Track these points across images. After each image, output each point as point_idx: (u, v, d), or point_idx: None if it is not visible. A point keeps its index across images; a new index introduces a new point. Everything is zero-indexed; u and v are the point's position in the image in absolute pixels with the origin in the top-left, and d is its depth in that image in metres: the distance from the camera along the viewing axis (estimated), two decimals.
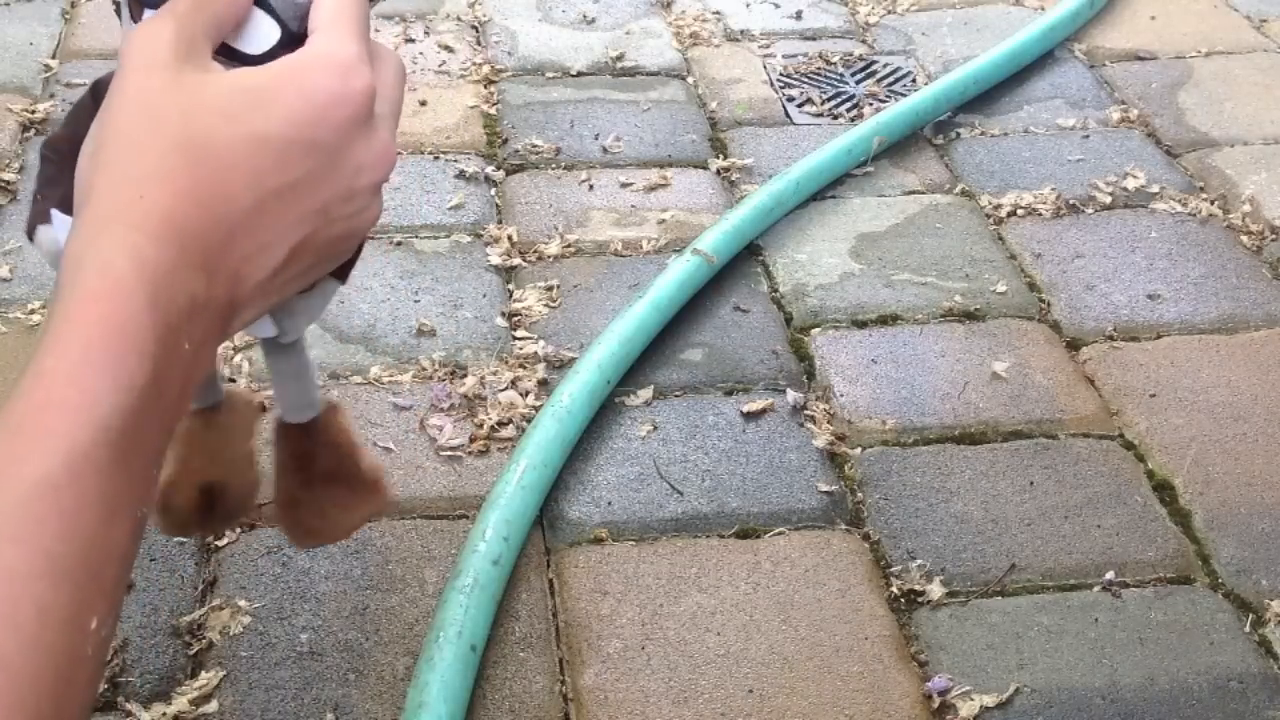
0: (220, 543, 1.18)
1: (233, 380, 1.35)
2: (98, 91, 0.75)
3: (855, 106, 1.91)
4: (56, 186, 0.75)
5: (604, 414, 1.33)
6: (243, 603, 1.13)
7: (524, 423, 1.32)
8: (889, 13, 2.19)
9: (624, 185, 1.71)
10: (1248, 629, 1.15)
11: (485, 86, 1.93)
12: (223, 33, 0.50)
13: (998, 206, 1.69)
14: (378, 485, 0.81)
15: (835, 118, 1.88)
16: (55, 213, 0.72)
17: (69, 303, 0.43)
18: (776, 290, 1.54)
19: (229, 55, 0.54)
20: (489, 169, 1.73)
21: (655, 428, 1.33)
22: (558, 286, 1.52)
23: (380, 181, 0.51)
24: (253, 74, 0.48)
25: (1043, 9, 2.16)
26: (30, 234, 0.75)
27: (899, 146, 1.80)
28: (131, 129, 0.46)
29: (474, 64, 1.98)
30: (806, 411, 1.36)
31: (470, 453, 1.29)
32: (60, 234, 0.72)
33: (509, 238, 1.59)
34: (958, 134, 1.85)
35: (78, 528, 0.40)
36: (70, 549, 0.39)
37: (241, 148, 0.46)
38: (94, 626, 0.39)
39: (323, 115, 0.47)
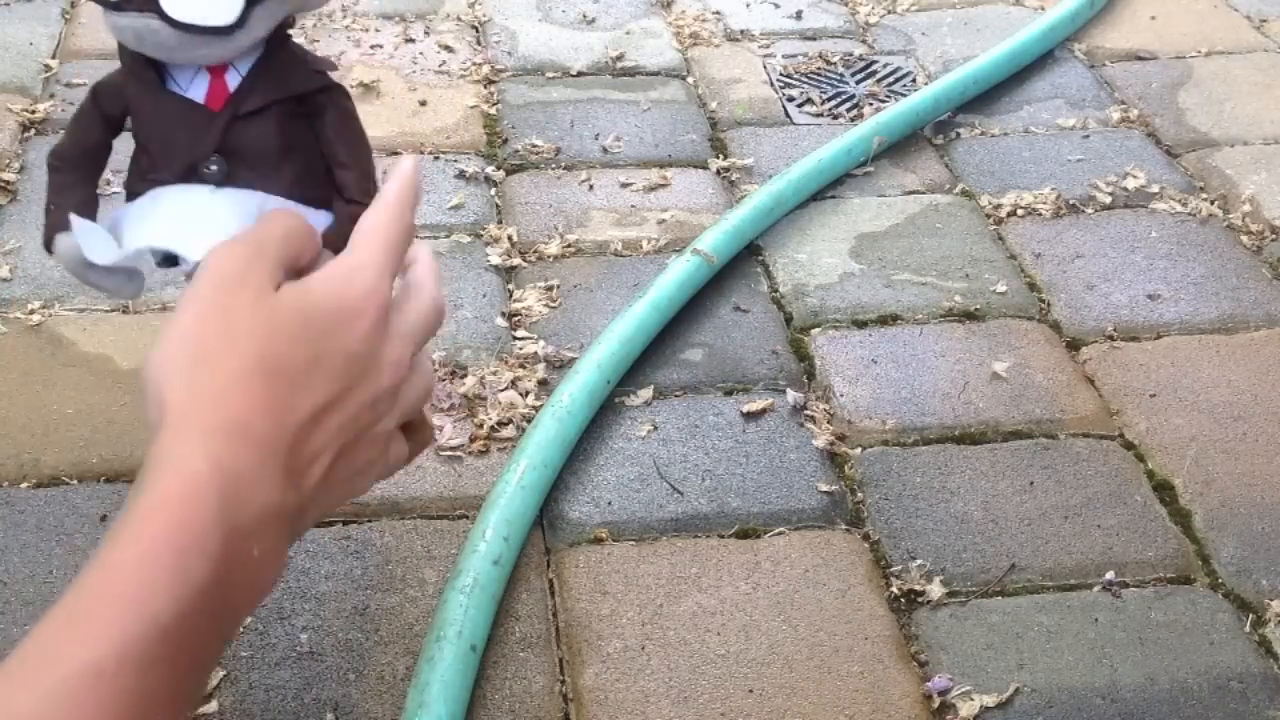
0: None
1: None
2: (98, 96, 0.75)
3: (855, 106, 1.91)
4: (69, 194, 0.75)
5: (604, 414, 1.33)
6: None
7: (524, 423, 1.32)
8: (889, 13, 2.19)
9: (624, 185, 1.71)
10: (1248, 629, 1.15)
11: (485, 86, 1.93)
12: (296, 266, 0.56)
13: (998, 206, 1.69)
14: (424, 424, 0.82)
15: (835, 118, 1.88)
16: (74, 218, 0.72)
17: (144, 499, 0.44)
18: (776, 290, 1.54)
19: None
20: (489, 169, 1.73)
21: (655, 428, 1.33)
22: (558, 286, 1.52)
23: (398, 382, 0.55)
24: (310, 297, 0.53)
25: (1043, 9, 2.16)
26: (48, 245, 0.75)
27: (899, 146, 1.80)
28: (213, 342, 0.50)
29: (474, 64, 1.98)
30: (806, 411, 1.36)
31: (470, 453, 1.29)
32: (81, 239, 0.72)
33: (509, 238, 1.59)
34: (958, 134, 1.85)
35: (115, 717, 0.41)
36: None
37: (303, 366, 0.50)
38: None
39: (354, 326, 0.53)
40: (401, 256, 0.59)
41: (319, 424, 0.50)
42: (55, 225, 0.74)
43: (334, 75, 0.76)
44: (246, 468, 0.46)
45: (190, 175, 0.70)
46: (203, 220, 0.68)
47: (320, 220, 0.74)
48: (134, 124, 0.73)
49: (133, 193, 0.73)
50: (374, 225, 0.58)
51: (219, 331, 0.50)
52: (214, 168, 0.70)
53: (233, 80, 0.70)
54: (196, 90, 0.70)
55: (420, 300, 0.60)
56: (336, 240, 0.74)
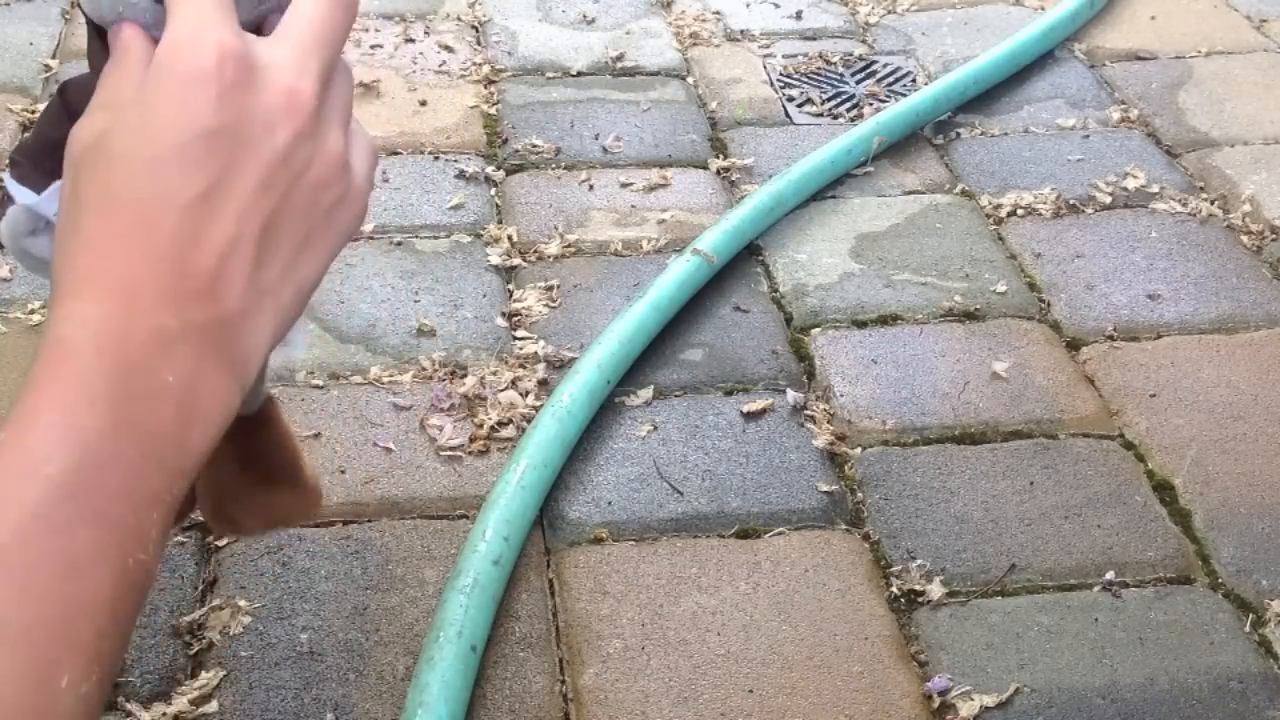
0: (220, 543, 1.18)
1: None
2: (65, 94, 0.75)
3: (855, 106, 1.91)
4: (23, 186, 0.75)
5: (604, 414, 1.33)
6: (243, 603, 1.13)
7: (524, 423, 1.32)
8: (889, 13, 2.19)
9: (624, 185, 1.71)
10: (1248, 629, 1.15)
11: (485, 86, 1.93)
12: None
13: (998, 206, 1.69)
14: (314, 489, 0.81)
15: (835, 118, 1.88)
16: (9, 182, 0.71)
17: (23, 388, 0.42)
18: (776, 290, 1.54)
19: None
20: (489, 169, 1.73)
21: (655, 428, 1.33)
22: (558, 286, 1.52)
23: (301, 128, 0.47)
24: (142, 95, 0.47)
25: (1043, 9, 2.16)
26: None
27: (899, 146, 1.80)
28: (69, 198, 0.47)
29: (474, 64, 1.98)
30: (806, 411, 1.36)
31: (470, 453, 1.29)
32: (19, 196, 0.71)
33: (509, 238, 1.59)
34: (958, 134, 1.85)
35: (30, 589, 0.39)
36: (23, 612, 0.39)
37: (142, 176, 0.45)
38: (64, 684, 0.39)
39: (197, 104, 0.45)
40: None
41: (204, 220, 0.45)
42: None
43: None
44: (115, 308, 0.43)
45: None
46: None
47: None
48: None
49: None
50: None
51: (68, 193, 0.47)
52: None
53: None
54: None
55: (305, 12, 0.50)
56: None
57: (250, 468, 0.80)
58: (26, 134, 0.77)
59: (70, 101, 0.75)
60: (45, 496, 0.40)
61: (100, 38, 0.70)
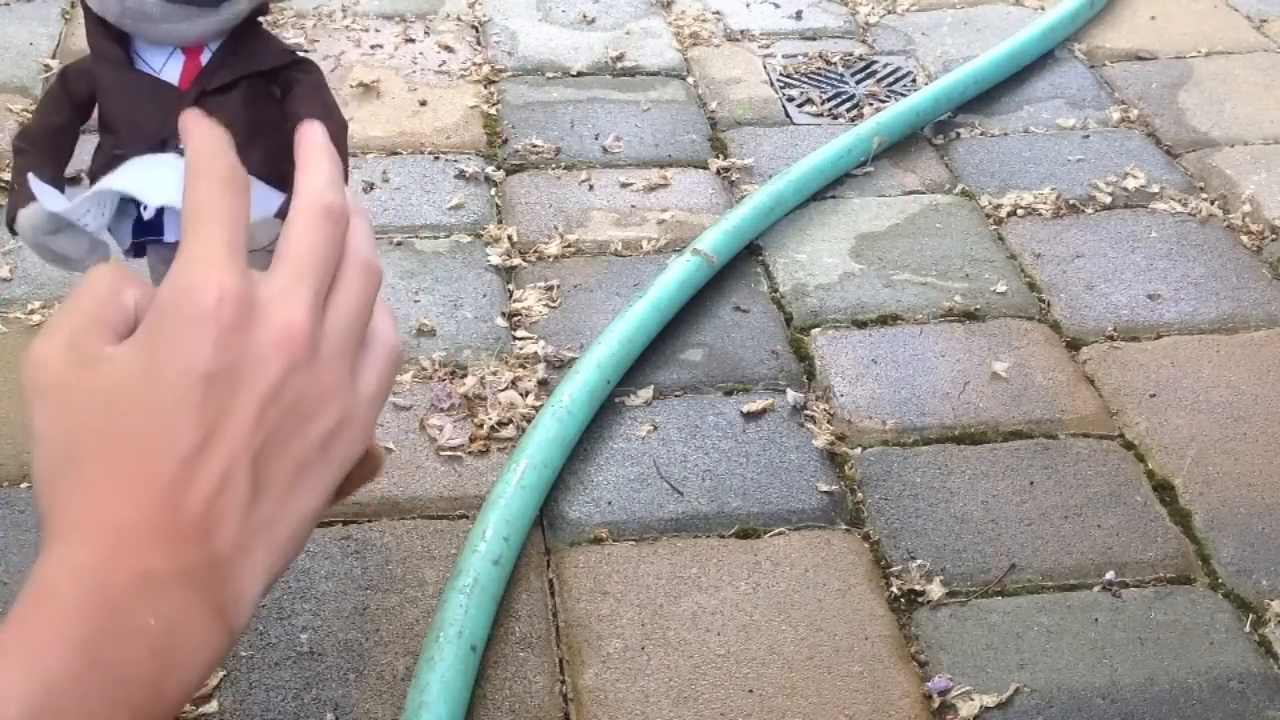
0: None
1: None
2: (66, 80, 0.75)
3: (855, 106, 1.91)
4: (35, 174, 0.74)
5: (604, 414, 1.33)
6: None
7: (524, 423, 1.32)
8: (889, 13, 2.18)
9: (624, 185, 1.71)
10: (1248, 629, 1.15)
11: (485, 86, 1.93)
12: (112, 328, 0.48)
13: (998, 206, 1.69)
14: (376, 452, 0.82)
15: (835, 118, 1.88)
16: (32, 179, 0.71)
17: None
18: (776, 290, 1.54)
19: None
20: (489, 169, 1.73)
21: (655, 428, 1.33)
22: (558, 286, 1.52)
23: (293, 361, 0.46)
24: (138, 342, 0.47)
25: (1043, 9, 2.16)
26: (11, 224, 0.74)
27: (899, 146, 1.80)
28: (59, 441, 0.47)
29: (474, 64, 1.98)
30: (806, 411, 1.36)
31: (470, 453, 1.29)
32: (38, 193, 0.71)
33: (509, 238, 1.59)
34: (958, 134, 1.85)
35: None
36: None
37: (144, 423, 0.45)
38: None
39: (197, 348, 0.45)
40: (242, 215, 0.50)
41: (199, 464, 0.44)
42: (17, 203, 0.74)
43: (332, 73, 0.76)
44: (100, 553, 0.43)
45: (159, 151, 0.69)
46: (165, 173, 0.65)
47: (277, 200, 0.73)
48: (101, 104, 0.73)
49: (96, 171, 0.72)
50: (197, 201, 0.49)
51: (62, 430, 0.47)
52: (183, 146, 0.69)
53: (207, 60, 0.70)
54: (170, 70, 0.70)
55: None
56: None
57: None
58: (28, 121, 0.76)
59: (70, 87, 0.75)
60: None
61: (101, 27, 0.70)
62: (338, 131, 0.75)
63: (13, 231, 0.74)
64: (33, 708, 0.39)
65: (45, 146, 0.76)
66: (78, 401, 0.47)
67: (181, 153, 0.70)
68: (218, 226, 0.47)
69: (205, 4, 0.67)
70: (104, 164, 0.72)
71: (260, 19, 0.72)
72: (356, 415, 0.49)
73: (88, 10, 0.69)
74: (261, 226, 0.73)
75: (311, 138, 0.52)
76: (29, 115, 1.77)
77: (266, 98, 0.72)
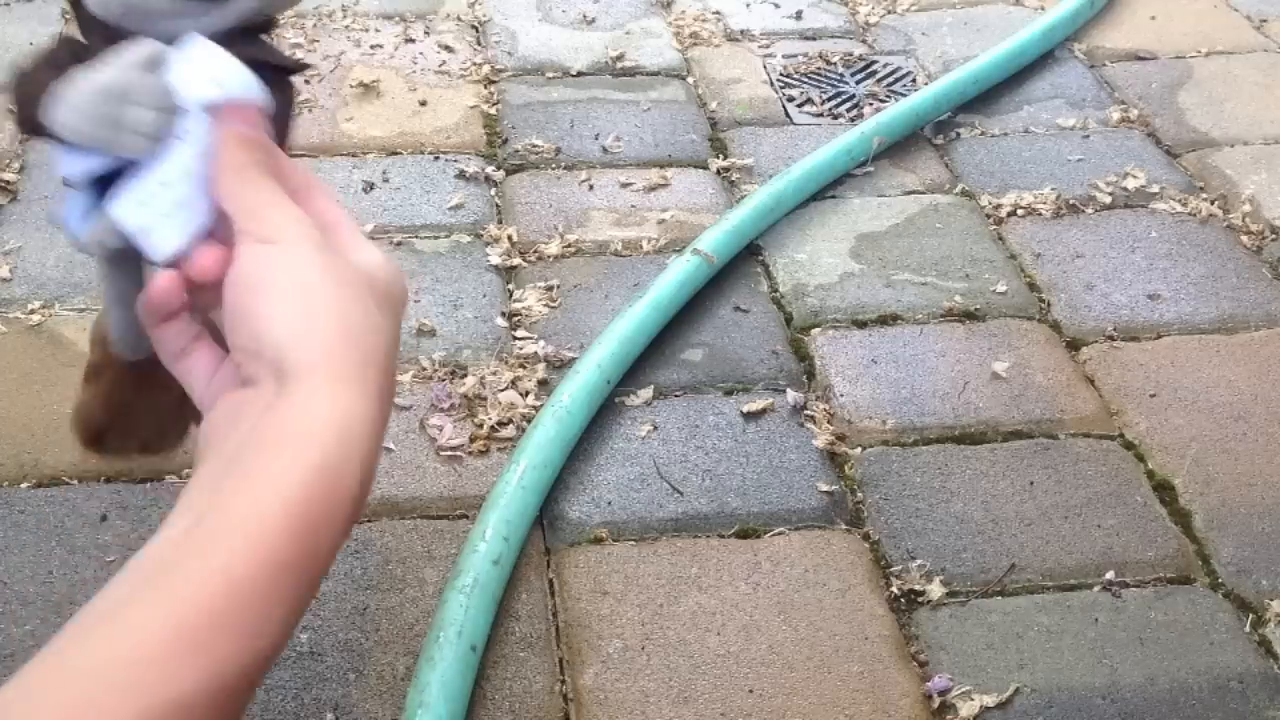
0: None
1: None
2: (70, 42, 0.75)
3: (855, 106, 1.91)
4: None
5: (604, 414, 1.33)
6: None
7: (524, 423, 1.32)
8: (889, 13, 2.18)
9: (624, 185, 1.71)
10: (1248, 629, 1.15)
11: (485, 86, 1.93)
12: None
13: (998, 206, 1.69)
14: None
15: (835, 118, 1.88)
16: (64, 154, 0.71)
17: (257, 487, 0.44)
18: (776, 290, 1.54)
19: None
20: (489, 169, 1.73)
21: (655, 428, 1.33)
22: (558, 286, 1.52)
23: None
24: (372, 278, 0.53)
25: (1043, 9, 2.16)
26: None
27: (899, 146, 1.80)
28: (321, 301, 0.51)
29: (474, 64, 1.98)
30: (806, 411, 1.36)
31: (470, 453, 1.29)
32: (64, 213, 0.70)
33: (509, 238, 1.59)
34: (958, 134, 1.85)
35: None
36: None
37: (371, 334, 0.51)
38: None
39: (397, 309, 0.53)
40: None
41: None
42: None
43: (326, 83, 0.77)
44: (354, 401, 0.47)
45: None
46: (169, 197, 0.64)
47: None
48: None
49: None
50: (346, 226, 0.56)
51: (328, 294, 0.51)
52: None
53: None
54: None
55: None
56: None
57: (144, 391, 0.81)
58: (24, 73, 0.75)
59: (77, 54, 0.74)
60: (262, 559, 0.41)
61: (99, 29, 0.69)
62: (286, 136, 0.78)
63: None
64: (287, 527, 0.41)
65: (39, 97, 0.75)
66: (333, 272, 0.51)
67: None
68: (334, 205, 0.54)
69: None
70: None
71: (264, 35, 0.72)
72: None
73: (80, 12, 0.69)
74: None
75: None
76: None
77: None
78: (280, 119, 0.75)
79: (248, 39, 0.72)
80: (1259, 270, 1.59)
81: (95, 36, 0.70)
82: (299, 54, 1.96)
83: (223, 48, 0.70)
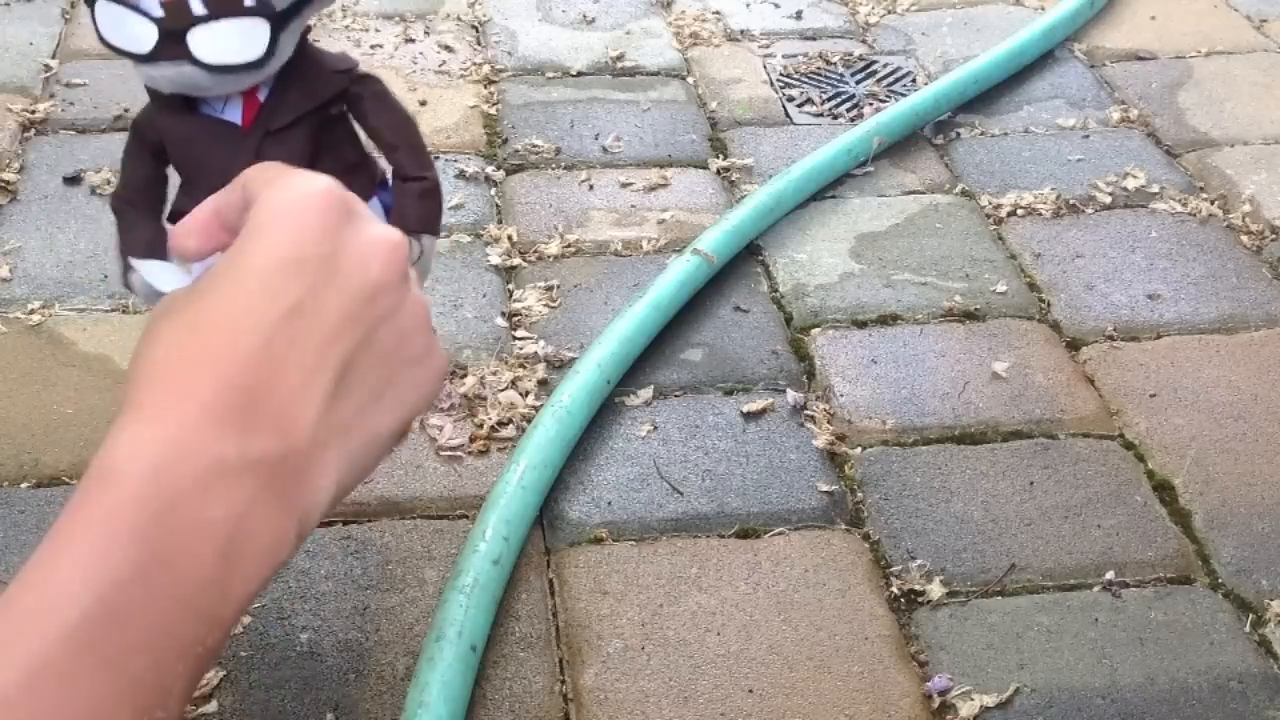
0: None
1: None
2: (138, 129, 0.77)
3: (855, 106, 1.91)
4: (135, 234, 0.77)
5: (604, 414, 1.33)
6: None
7: (524, 423, 1.32)
8: (889, 13, 2.18)
9: (624, 185, 1.71)
10: (1248, 629, 1.15)
11: (485, 86, 1.93)
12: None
13: (998, 206, 1.69)
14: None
15: (835, 118, 1.88)
16: (133, 261, 0.74)
17: (61, 516, 0.39)
18: (776, 290, 1.54)
19: None
20: (489, 169, 1.73)
21: (655, 428, 1.33)
22: (558, 286, 1.52)
23: (397, 269, 0.46)
24: (244, 234, 0.46)
25: (1043, 9, 2.16)
26: (125, 284, 0.77)
27: (899, 146, 1.80)
28: (140, 344, 0.45)
29: (474, 64, 1.98)
30: (806, 411, 1.36)
31: (470, 453, 1.29)
32: (146, 275, 0.73)
33: (509, 238, 1.59)
34: (958, 134, 1.85)
35: None
36: None
37: (226, 299, 0.43)
38: None
39: (296, 233, 0.44)
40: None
41: (283, 347, 0.42)
42: (125, 267, 0.76)
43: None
44: (171, 432, 0.40)
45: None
46: None
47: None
48: (169, 151, 0.74)
49: (178, 212, 0.74)
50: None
51: (150, 330, 0.45)
52: None
53: (264, 95, 0.71)
54: (232, 112, 0.71)
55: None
56: (401, 220, 0.75)
57: None
58: (117, 182, 0.77)
59: (144, 138, 0.76)
60: (60, 643, 0.36)
61: (160, 99, 0.71)
62: (412, 127, 0.79)
63: (129, 288, 0.77)
64: (90, 611, 0.37)
65: (139, 202, 0.78)
66: (170, 305, 0.45)
67: None
68: (301, 175, 0.47)
69: (252, 67, 0.67)
70: (184, 201, 0.74)
71: (309, 35, 0.73)
72: (437, 354, 0.48)
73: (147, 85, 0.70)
74: None
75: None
76: (29, 115, 1.77)
77: (328, 121, 0.73)
78: (381, 110, 0.76)
79: (299, 63, 0.73)
80: (1259, 270, 1.59)
81: (157, 102, 0.72)
82: None
83: (279, 81, 0.71)
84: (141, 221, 0.77)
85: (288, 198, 0.45)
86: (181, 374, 0.42)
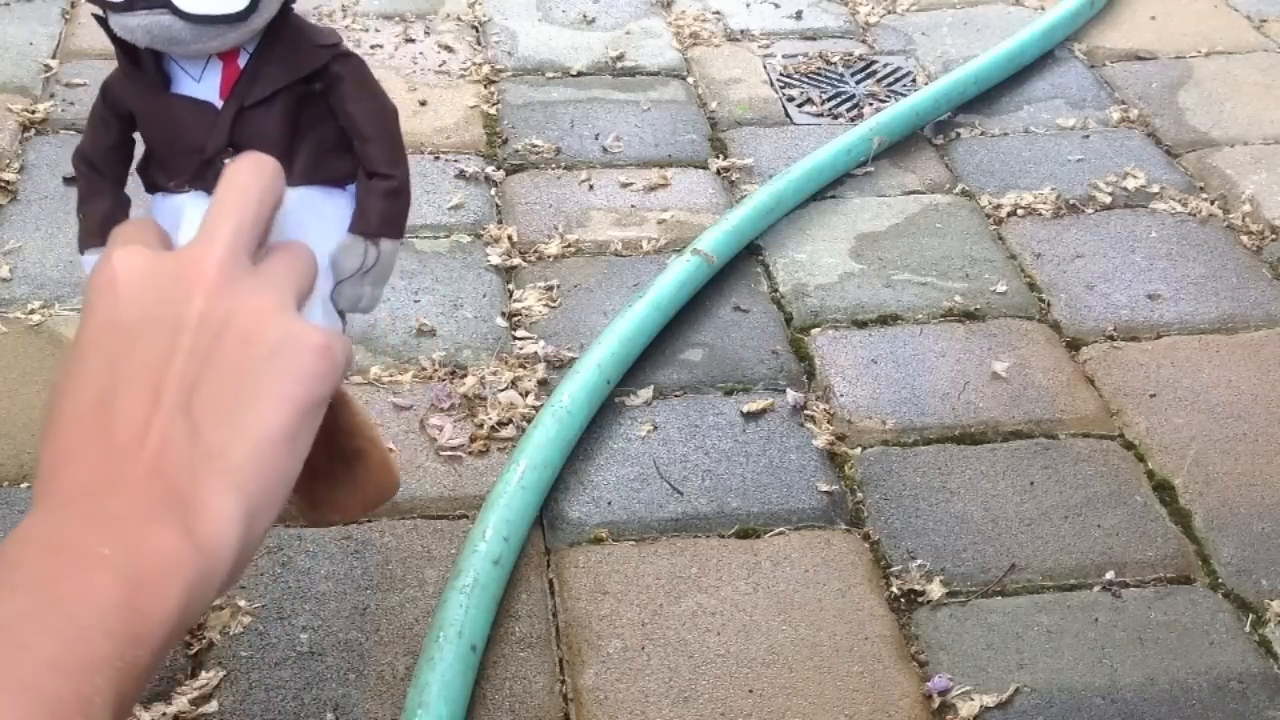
0: None
1: None
2: (107, 95, 0.75)
3: (855, 106, 1.91)
4: (98, 200, 0.75)
5: (604, 414, 1.33)
6: (243, 603, 1.13)
7: (524, 423, 1.32)
8: (889, 13, 2.18)
9: (624, 185, 1.71)
10: (1248, 629, 1.15)
11: (485, 86, 1.93)
12: None
13: (998, 206, 1.69)
14: (393, 469, 0.80)
15: (835, 118, 1.88)
16: (87, 256, 0.73)
17: None
18: (776, 290, 1.54)
19: None
20: (489, 169, 1.73)
21: (655, 428, 1.33)
22: (558, 286, 1.52)
23: (209, 289, 0.48)
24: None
25: (1043, 9, 2.16)
26: (83, 251, 0.76)
27: (899, 146, 1.80)
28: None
29: (474, 64, 1.98)
30: (806, 411, 1.36)
31: (470, 453, 1.29)
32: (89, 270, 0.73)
33: (509, 238, 1.59)
34: (958, 134, 1.85)
35: None
36: None
37: (64, 377, 0.47)
38: None
39: (101, 303, 0.48)
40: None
41: (125, 402, 0.45)
42: (85, 234, 0.74)
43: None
44: (58, 506, 0.44)
45: (204, 172, 0.68)
46: None
47: (344, 201, 0.73)
48: (139, 126, 0.73)
49: (151, 183, 0.72)
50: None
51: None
52: (226, 162, 0.69)
53: (244, 62, 0.69)
54: (209, 79, 0.69)
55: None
56: (362, 220, 0.73)
57: (333, 450, 0.79)
58: (82, 138, 0.76)
59: (112, 103, 0.74)
60: None
61: (129, 49, 0.69)
62: (390, 118, 0.75)
63: (83, 253, 0.75)
64: None
65: (104, 167, 0.76)
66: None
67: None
68: (128, 235, 0.51)
69: (234, 19, 0.66)
70: (157, 174, 0.72)
71: (292, 4, 0.72)
72: (303, 331, 0.49)
73: (111, 32, 0.68)
74: (344, 251, 0.72)
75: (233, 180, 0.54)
76: (29, 115, 1.77)
77: (307, 97, 0.71)
78: (360, 93, 0.74)
79: (282, 31, 0.71)
80: (1259, 270, 1.59)
81: (126, 62, 0.70)
82: None
83: (260, 48, 0.69)
84: (107, 189, 0.75)
85: (91, 281, 0.49)
86: (57, 456, 0.46)
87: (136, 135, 0.75)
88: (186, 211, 0.68)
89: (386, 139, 0.74)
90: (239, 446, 0.46)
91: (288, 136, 0.70)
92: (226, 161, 0.68)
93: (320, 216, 0.71)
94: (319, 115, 0.72)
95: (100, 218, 0.74)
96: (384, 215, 0.74)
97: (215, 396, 0.46)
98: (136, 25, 0.65)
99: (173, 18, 0.64)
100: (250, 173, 0.52)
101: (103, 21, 0.67)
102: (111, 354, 0.46)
